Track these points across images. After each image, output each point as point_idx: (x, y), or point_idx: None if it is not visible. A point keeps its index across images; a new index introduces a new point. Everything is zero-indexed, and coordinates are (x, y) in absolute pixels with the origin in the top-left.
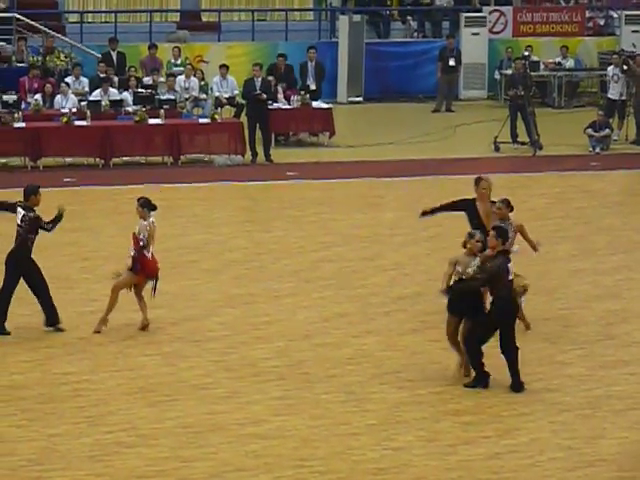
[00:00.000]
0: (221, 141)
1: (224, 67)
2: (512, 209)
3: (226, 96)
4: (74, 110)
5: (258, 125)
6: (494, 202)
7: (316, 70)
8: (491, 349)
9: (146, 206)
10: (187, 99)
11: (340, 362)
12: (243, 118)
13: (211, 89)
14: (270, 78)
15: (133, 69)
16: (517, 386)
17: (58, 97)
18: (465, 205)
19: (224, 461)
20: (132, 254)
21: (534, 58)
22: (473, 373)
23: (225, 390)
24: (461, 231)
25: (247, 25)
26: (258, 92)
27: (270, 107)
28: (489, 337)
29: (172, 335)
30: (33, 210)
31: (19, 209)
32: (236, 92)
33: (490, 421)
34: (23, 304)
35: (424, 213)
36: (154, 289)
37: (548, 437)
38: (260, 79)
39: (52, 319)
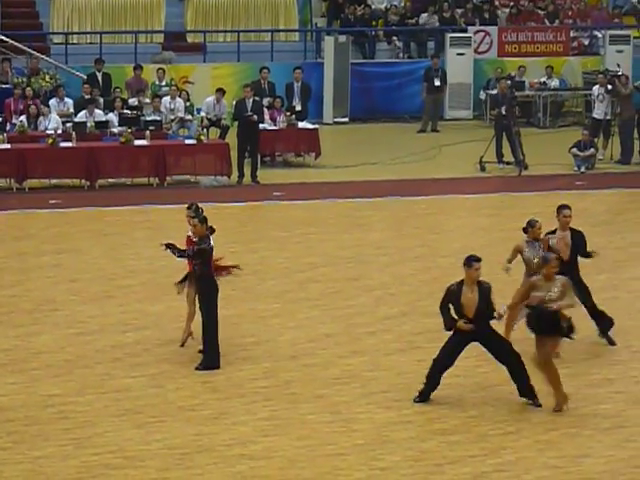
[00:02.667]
0: (207, 162)
1: (220, 91)
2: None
3: (213, 119)
4: (59, 131)
5: (247, 146)
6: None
7: (302, 91)
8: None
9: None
10: (173, 120)
11: (327, 382)
12: (229, 139)
13: (197, 110)
14: (258, 99)
15: (118, 90)
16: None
17: (41, 118)
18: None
19: None
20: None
21: (519, 78)
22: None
23: (212, 411)
24: (446, 251)
25: (232, 46)
26: (250, 114)
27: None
28: None
29: (159, 356)
30: None
31: None
32: (224, 115)
33: (476, 440)
34: (9, 326)
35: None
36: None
37: (534, 456)
38: (251, 100)
39: None
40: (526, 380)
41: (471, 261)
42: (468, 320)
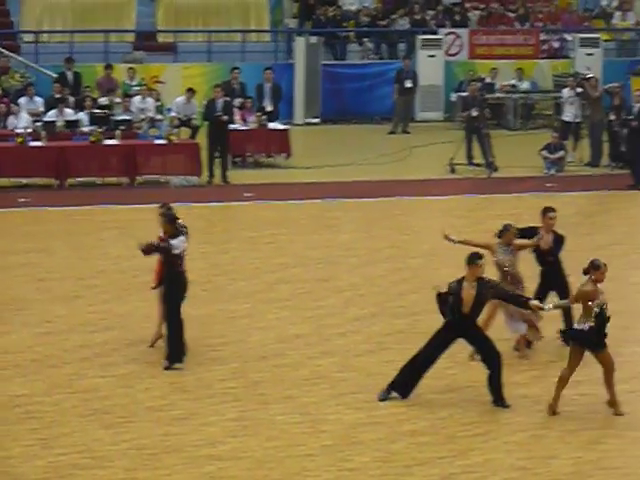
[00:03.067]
0: (177, 162)
1: (191, 91)
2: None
3: (183, 119)
4: (28, 130)
5: (218, 146)
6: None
7: (273, 91)
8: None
9: None
10: (143, 120)
11: (296, 383)
12: (199, 139)
13: (168, 109)
14: (228, 99)
15: (89, 89)
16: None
17: (11, 117)
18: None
19: None
20: None
21: (489, 80)
22: None
23: (181, 412)
24: (416, 252)
25: (203, 46)
26: (220, 114)
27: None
28: None
29: (127, 357)
30: None
31: None
32: (194, 114)
33: (445, 442)
34: None
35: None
36: None
37: (502, 457)
38: (221, 100)
39: None
40: (498, 380)
41: (475, 259)
42: (463, 316)
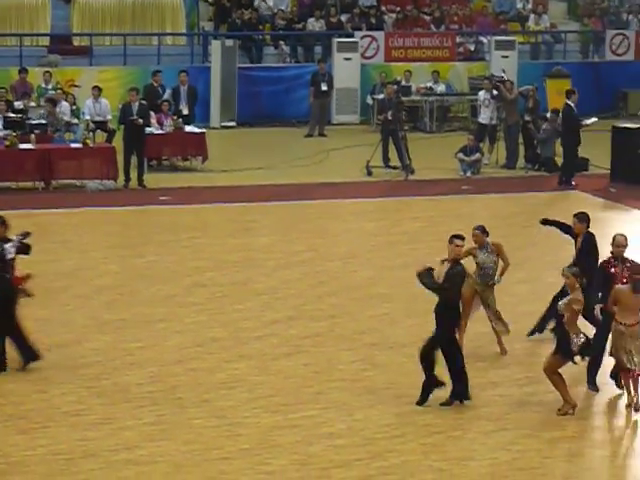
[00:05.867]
0: (93, 166)
1: (96, 89)
2: (487, 234)
3: (99, 119)
4: None
5: (134, 150)
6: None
7: (188, 94)
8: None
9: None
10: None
11: (213, 387)
12: (115, 143)
13: (83, 113)
14: (144, 102)
15: (3, 90)
16: None
17: None
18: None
19: None
20: None
21: (405, 83)
22: None
23: (98, 416)
24: (333, 255)
25: (119, 49)
26: (135, 117)
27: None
28: None
29: (44, 361)
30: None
31: None
32: (109, 117)
33: (362, 444)
34: None
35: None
36: None
37: (419, 459)
38: (137, 104)
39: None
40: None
41: (451, 238)
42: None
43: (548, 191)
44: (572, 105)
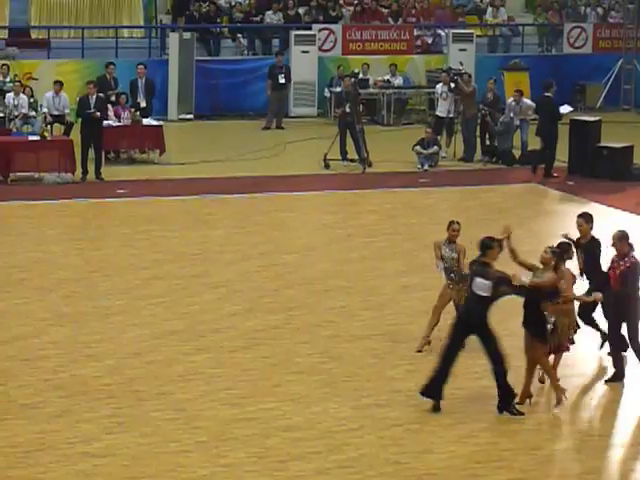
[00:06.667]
0: (51, 159)
1: (58, 83)
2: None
3: (57, 113)
4: None
5: (91, 143)
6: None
7: (146, 87)
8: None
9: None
10: (16, 116)
11: (171, 379)
12: (73, 136)
13: (41, 106)
14: (102, 95)
15: None
16: None
17: None
18: None
19: None
20: None
21: (363, 76)
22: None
23: (55, 409)
24: (290, 248)
25: (77, 42)
26: (92, 110)
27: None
28: None
29: (2, 354)
30: None
31: None
32: (67, 110)
33: (320, 437)
34: None
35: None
36: None
37: (377, 452)
38: (95, 97)
39: None
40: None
41: (450, 223)
42: None
43: (506, 184)
44: (551, 97)
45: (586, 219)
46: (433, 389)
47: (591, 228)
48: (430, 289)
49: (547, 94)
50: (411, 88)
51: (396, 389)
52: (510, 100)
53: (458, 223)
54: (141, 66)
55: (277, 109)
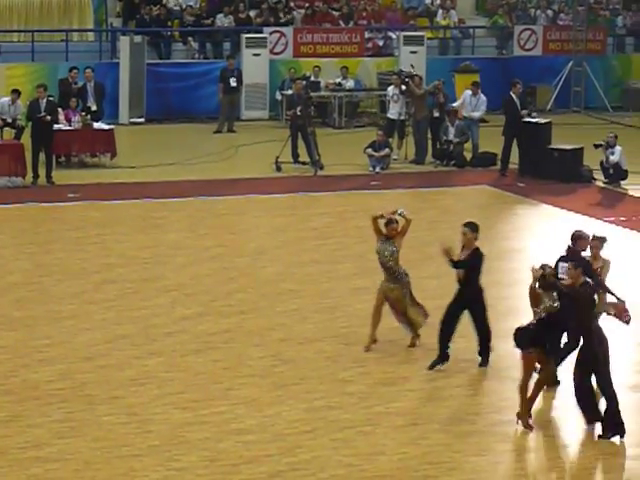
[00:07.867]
0: (1, 163)
1: (16, 92)
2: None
3: (9, 121)
4: None
5: (42, 147)
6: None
7: (96, 91)
8: None
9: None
10: None
11: (123, 383)
12: (23, 140)
13: None
14: (52, 99)
15: None
16: None
17: None
18: None
19: None
20: None
21: (314, 78)
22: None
23: (6, 414)
24: (243, 251)
25: (26, 46)
26: (43, 114)
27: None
28: None
29: None
30: None
31: None
32: (19, 115)
33: (272, 439)
34: None
35: None
36: None
37: (329, 454)
38: (45, 100)
39: None
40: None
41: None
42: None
43: (457, 186)
44: (514, 97)
45: (471, 228)
46: None
47: (475, 238)
48: None
49: (510, 93)
50: (362, 91)
51: (348, 391)
52: (468, 92)
53: (397, 222)
54: (89, 70)
55: (229, 112)
